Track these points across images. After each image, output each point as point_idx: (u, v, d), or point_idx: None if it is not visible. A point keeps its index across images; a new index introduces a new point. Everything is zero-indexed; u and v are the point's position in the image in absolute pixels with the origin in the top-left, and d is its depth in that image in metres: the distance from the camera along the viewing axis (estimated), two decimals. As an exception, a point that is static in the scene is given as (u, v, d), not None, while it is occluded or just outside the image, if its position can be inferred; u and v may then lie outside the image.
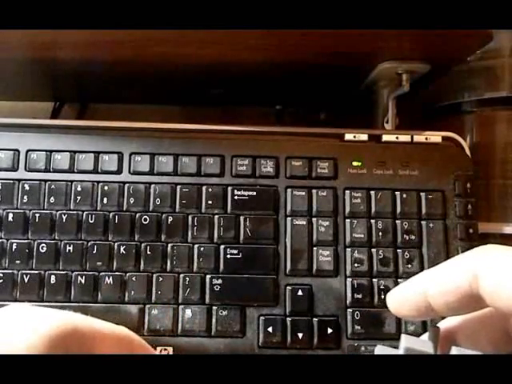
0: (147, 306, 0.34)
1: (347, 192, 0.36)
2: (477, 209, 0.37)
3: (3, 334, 0.22)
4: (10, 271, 0.34)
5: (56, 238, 0.35)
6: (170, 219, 0.35)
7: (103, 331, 0.25)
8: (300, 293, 0.35)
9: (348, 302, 0.35)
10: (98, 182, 0.36)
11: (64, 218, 0.35)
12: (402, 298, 0.22)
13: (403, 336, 0.22)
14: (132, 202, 0.36)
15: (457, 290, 0.19)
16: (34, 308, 0.24)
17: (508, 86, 0.42)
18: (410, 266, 0.35)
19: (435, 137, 0.38)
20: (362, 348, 0.34)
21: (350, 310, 0.35)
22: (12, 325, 0.22)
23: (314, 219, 0.36)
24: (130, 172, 0.36)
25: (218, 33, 0.33)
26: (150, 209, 0.36)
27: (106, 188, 0.36)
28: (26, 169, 0.36)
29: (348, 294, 0.35)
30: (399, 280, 0.35)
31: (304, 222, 0.36)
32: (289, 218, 0.36)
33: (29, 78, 0.46)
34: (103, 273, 0.34)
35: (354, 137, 0.38)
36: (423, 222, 0.36)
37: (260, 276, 0.35)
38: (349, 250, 0.36)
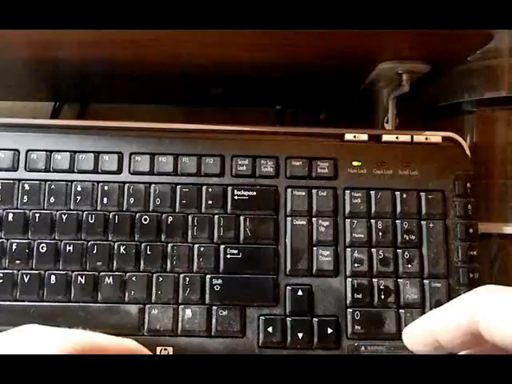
0: (147, 306, 0.34)
1: (347, 192, 0.36)
2: (477, 209, 0.37)
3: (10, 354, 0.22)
4: (10, 271, 0.34)
5: (56, 238, 0.35)
6: (170, 219, 0.35)
7: (108, 348, 0.25)
8: (300, 293, 0.35)
9: (348, 302, 0.35)
10: (98, 182, 0.36)
11: (64, 218, 0.35)
12: (414, 336, 0.24)
13: None
14: (132, 201, 0.36)
15: (458, 328, 0.21)
16: (42, 329, 0.25)
17: (508, 85, 0.42)
18: (409, 265, 0.35)
19: (435, 137, 0.38)
20: (362, 348, 0.34)
21: (350, 310, 0.35)
22: (19, 347, 0.23)
23: (314, 219, 0.36)
24: (129, 172, 0.36)
25: (217, 33, 0.33)
26: (150, 209, 0.36)
27: (105, 188, 0.36)
28: (26, 169, 0.36)
29: (348, 294, 0.35)
30: (399, 280, 0.35)
31: (304, 222, 0.36)
32: (289, 218, 0.36)
33: (29, 78, 0.46)
34: (103, 273, 0.34)
35: (354, 137, 0.38)
36: (423, 222, 0.36)
37: (260, 276, 0.35)
38: (349, 250, 0.36)
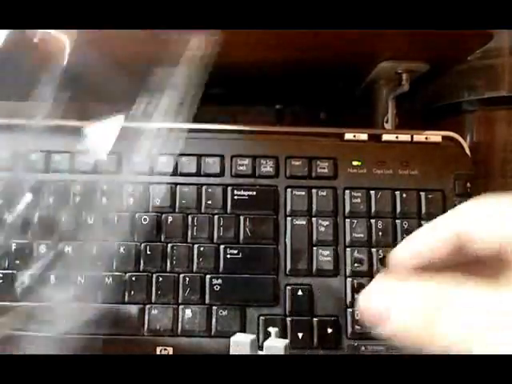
0: (147, 306, 0.34)
1: (347, 192, 0.36)
2: (477, 208, 0.36)
3: None
4: (10, 271, 0.34)
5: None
6: (170, 219, 0.35)
7: None
8: (300, 293, 0.35)
9: (348, 302, 0.35)
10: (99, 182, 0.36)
11: (64, 218, 0.35)
12: (399, 259, 0.22)
13: None
14: (132, 202, 0.36)
15: (444, 245, 0.21)
16: None
17: (508, 85, 0.42)
18: (409, 265, 0.35)
19: (435, 136, 0.38)
20: (362, 348, 0.34)
21: (349, 310, 0.35)
22: None
23: (313, 219, 0.36)
24: (129, 172, 0.36)
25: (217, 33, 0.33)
26: (150, 209, 0.36)
27: (106, 188, 0.36)
28: (25, 169, 0.36)
29: (348, 294, 0.35)
30: (399, 280, 0.35)
31: (304, 222, 0.36)
32: (289, 218, 0.36)
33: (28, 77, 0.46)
34: (103, 273, 0.34)
35: (354, 136, 0.38)
36: (423, 222, 0.36)
37: (260, 276, 0.35)
38: (349, 249, 0.36)
